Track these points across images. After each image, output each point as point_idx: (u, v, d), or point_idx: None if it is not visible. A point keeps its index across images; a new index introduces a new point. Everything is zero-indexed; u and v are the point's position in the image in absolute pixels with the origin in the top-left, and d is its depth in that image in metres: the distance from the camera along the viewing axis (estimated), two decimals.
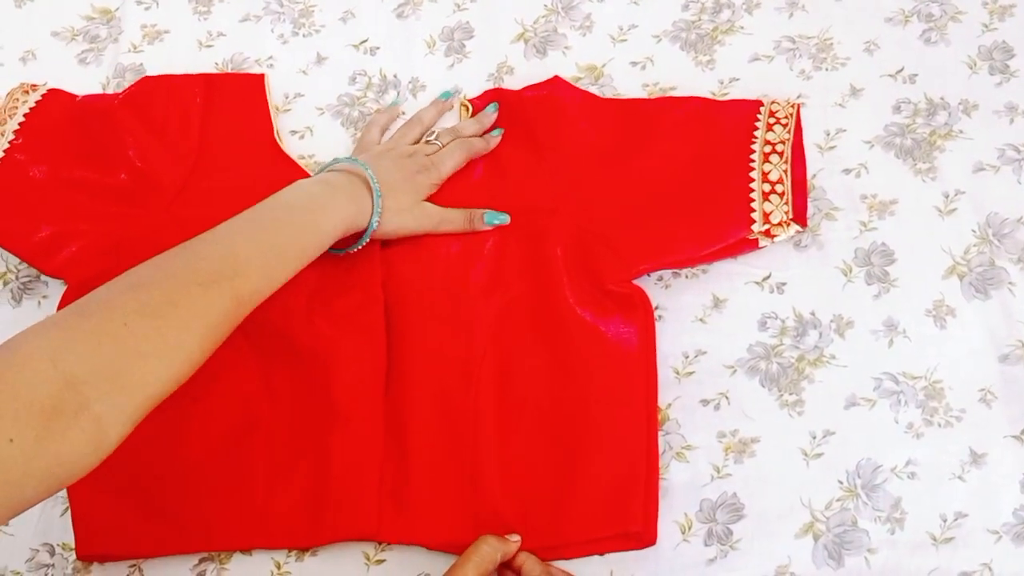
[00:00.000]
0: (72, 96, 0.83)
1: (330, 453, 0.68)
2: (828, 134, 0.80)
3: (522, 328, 0.71)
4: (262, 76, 0.84)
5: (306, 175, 0.79)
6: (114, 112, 0.81)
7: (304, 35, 0.88)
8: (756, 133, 0.77)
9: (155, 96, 0.82)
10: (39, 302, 0.76)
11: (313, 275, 0.73)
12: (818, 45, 0.84)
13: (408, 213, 0.74)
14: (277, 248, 0.64)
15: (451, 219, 0.75)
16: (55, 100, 0.83)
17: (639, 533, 0.65)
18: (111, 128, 0.80)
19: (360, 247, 0.72)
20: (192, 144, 0.79)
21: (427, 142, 0.79)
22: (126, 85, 0.85)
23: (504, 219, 0.75)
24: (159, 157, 0.79)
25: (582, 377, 0.69)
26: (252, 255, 0.62)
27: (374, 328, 0.71)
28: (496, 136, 0.80)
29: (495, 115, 0.81)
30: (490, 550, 0.62)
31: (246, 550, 0.68)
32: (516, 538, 0.64)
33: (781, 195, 0.74)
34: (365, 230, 0.71)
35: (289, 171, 0.79)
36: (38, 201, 0.77)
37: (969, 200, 0.76)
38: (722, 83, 0.83)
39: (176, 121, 0.81)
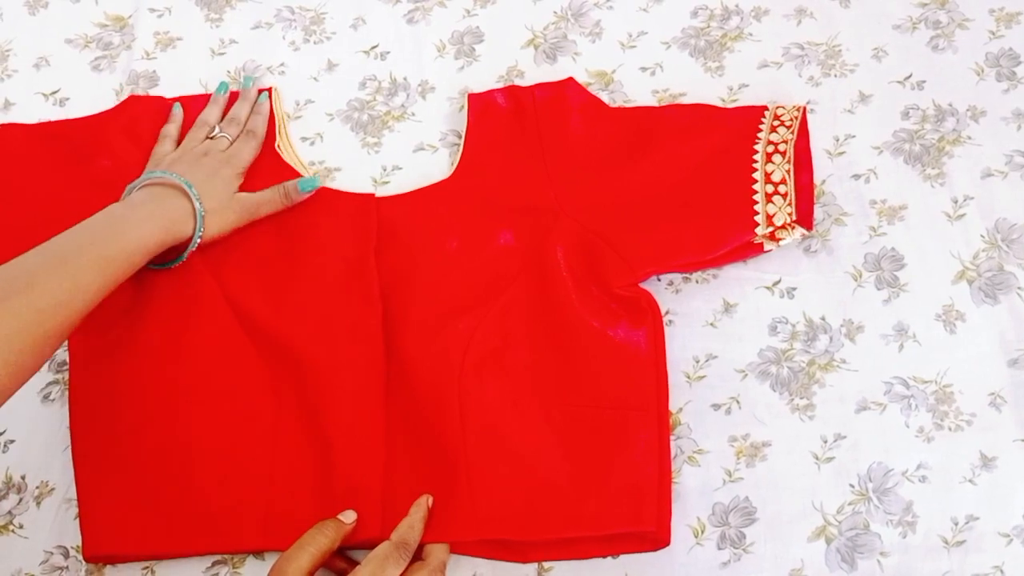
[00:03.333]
0: (19, 126, 0.83)
1: (334, 459, 0.68)
2: (837, 140, 0.80)
3: (526, 330, 0.72)
4: (270, 89, 0.84)
5: None
6: (104, 130, 0.81)
7: (315, 42, 0.89)
8: (760, 135, 0.77)
9: (159, 119, 0.82)
10: None
11: (313, 284, 0.74)
12: (826, 52, 0.85)
13: (227, 209, 0.75)
14: (72, 261, 0.64)
15: (267, 199, 0.77)
16: (9, 133, 0.82)
17: (653, 534, 0.66)
18: (100, 149, 0.80)
19: (190, 253, 0.73)
20: None
21: (212, 138, 0.80)
22: (139, 92, 0.85)
23: (316, 183, 0.77)
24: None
25: (590, 379, 0.70)
26: (44, 268, 0.63)
27: (372, 336, 0.71)
28: (263, 103, 0.83)
29: (255, 88, 0.84)
30: (323, 538, 0.63)
31: (252, 552, 0.68)
32: (351, 516, 0.66)
33: (784, 196, 0.74)
34: (192, 236, 0.72)
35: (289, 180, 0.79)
36: (33, 234, 0.77)
37: (978, 206, 0.77)
38: (731, 89, 0.83)
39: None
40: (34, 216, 0.78)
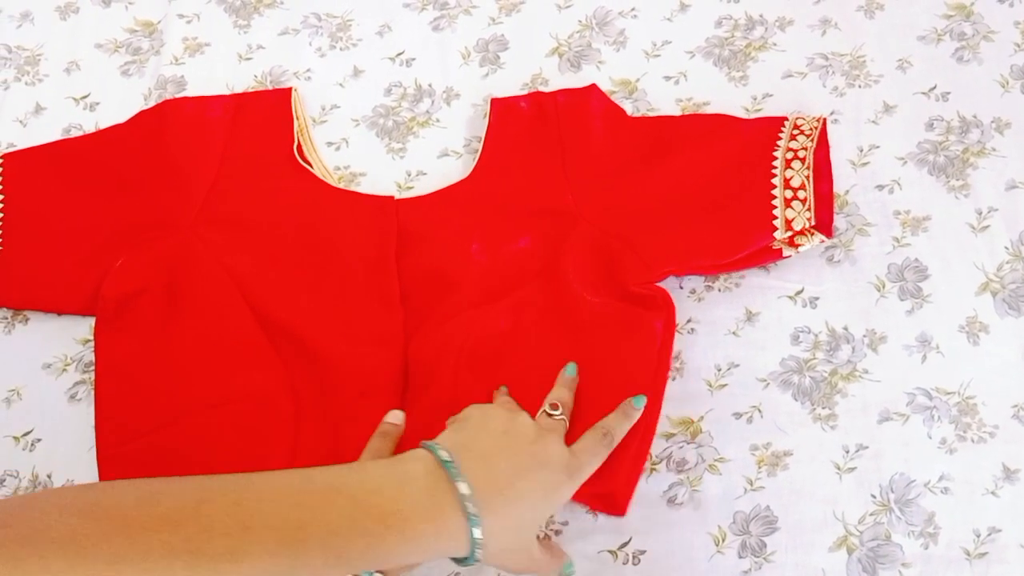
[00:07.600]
0: (28, 150, 0.82)
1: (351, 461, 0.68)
2: (861, 150, 0.80)
3: (542, 331, 0.72)
4: (289, 90, 0.84)
5: (325, 187, 0.79)
6: (123, 142, 0.81)
7: (341, 48, 0.90)
8: (779, 142, 0.77)
9: (177, 119, 0.82)
10: None
11: (334, 288, 0.74)
12: (851, 62, 0.85)
13: (522, 552, 0.54)
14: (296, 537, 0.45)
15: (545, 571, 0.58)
16: (17, 160, 0.81)
17: (612, 494, 0.66)
18: (119, 161, 0.80)
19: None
20: (212, 165, 0.80)
21: (550, 416, 0.63)
22: (167, 96, 0.86)
23: (571, 569, 0.61)
24: (174, 181, 0.79)
25: (596, 359, 0.70)
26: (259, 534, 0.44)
27: (393, 339, 0.72)
28: (634, 411, 0.67)
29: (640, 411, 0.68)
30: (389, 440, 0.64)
31: None
32: (399, 416, 0.67)
33: (803, 201, 0.74)
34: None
35: (306, 185, 0.79)
36: (68, 260, 0.77)
37: (1002, 217, 0.77)
38: (755, 99, 0.84)
39: (197, 143, 0.81)
40: (53, 238, 0.78)
